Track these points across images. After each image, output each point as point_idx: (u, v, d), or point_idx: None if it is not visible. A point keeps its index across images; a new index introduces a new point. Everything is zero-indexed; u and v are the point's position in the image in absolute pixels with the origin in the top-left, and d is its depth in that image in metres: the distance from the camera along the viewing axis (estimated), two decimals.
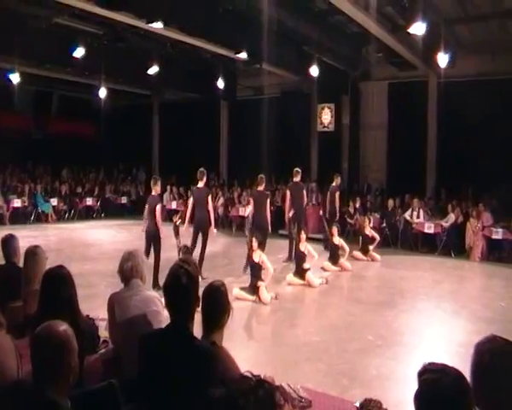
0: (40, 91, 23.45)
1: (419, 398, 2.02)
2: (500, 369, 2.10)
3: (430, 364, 2.08)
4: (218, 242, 15.82)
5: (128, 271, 4.01)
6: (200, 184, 10.50)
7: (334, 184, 14.09)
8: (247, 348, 6.30)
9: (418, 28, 11.14)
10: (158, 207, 9.58)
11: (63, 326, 2.46)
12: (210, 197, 10.41)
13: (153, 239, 9.54)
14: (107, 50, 16.10)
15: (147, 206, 9.95)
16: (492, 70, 15.32)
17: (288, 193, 12.40)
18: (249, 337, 6.87)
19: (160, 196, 12.44)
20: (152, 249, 9.50)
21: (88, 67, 16.83)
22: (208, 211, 10.16)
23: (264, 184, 11.66)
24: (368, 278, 10.58)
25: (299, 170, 12.59)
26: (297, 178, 12.46)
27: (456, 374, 2.01)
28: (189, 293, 2.85)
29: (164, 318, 3.71)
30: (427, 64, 15.59)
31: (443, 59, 13.43)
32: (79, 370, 2.65)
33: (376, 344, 6.91)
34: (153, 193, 10.07)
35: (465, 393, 1.99)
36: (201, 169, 10.67)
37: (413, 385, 2.11)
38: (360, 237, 13.68)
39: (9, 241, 5.33)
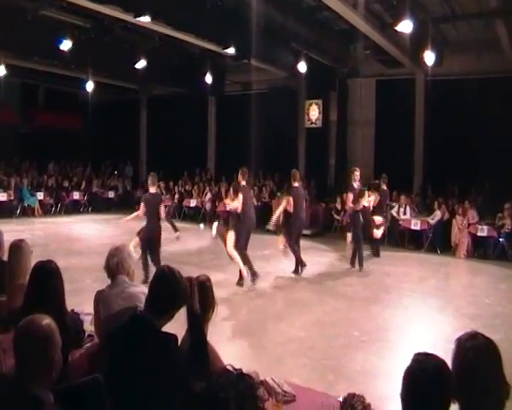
0: (26, 84, 23.26)
1: (406, 374, 2.15)
2: (483, 367, 2.15)
3: (423, 352, 2.20)
4: (204, 237, 15.84)
5: (114, 267, 3.99)
6: (152, 190, 9.64)
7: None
8: (232, 344, 6.32)
9: (406, 26, 11.20)
10: (162, 207, 9.45)
11: (46, 320, 2.45)
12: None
13: (156, 241, 9.26)
14: (95, 44, 15.95)
15: (143, 204, 9.39)
16: (478, 69, 15.41)
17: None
18: (234, 332, 6.89)
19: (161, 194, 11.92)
20: (151, 252, 9.21)
21: (75, 61, 16.69)
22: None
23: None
24: (354, 274, 10.62)
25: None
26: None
27: (441, 361, 2.15)
28: (170, 291, 2.93)
29: None
30: (415, 62, 15.64)
31: (430, 57, 13.50)
32: (64, 364, 2.65)
33: (362, 340, 6.95)
34: (152, 191, 9.66)
35: (447, 378, 2.11)
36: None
37: (397, 380, 2.16)
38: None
39: None
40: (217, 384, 1.87)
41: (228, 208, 10.38)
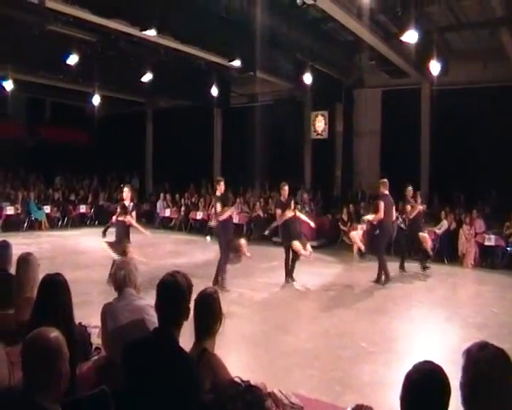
0: (33, 99, 23.40)
1: (405, 378, 2.26)
2: (497, 376, 2.12)
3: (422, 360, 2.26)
4: (211, 249, 15.81)
5: (121, 280, 3.99)
6: None
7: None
8: (238, 355, 6.29)
9: (411, 36, 11.19)
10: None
11: (54, 333, 2.45)
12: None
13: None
14: (101, 58, 16.06)
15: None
16: (484, 78, 15.41)
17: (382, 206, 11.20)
18: (241, 344, 6.86)
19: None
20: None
21: (81, 75, 16.80)
22: None
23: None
24: (361, 284, 10.57)
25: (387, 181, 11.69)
26: (386, 191, 11.45)
27: (438, 366, 2.21)
28: (176, 302, 2.87)
29: (156, 326, 3.71)
30: (420, 72, 15.65)
31: (435, 67, 13.50)
32: (72, 377, 2.64)
33: (369, 351, 6.91)
34: None
35: (442, 381, 2.15)
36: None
37: None
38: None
39: (3, 248, 5.30)
40: (224, 396, 1.86)
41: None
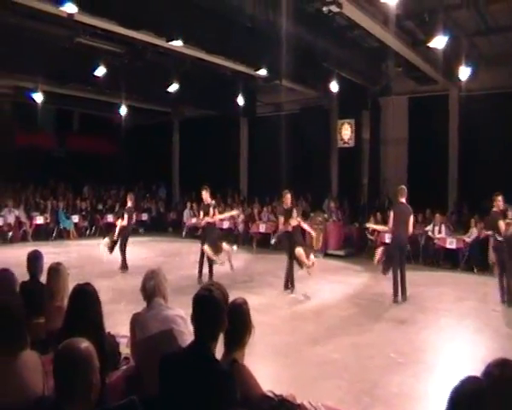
0: (62, 110, 23.78)
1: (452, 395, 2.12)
2: None
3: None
4: (238, 258, 15.80)
5: (150, 290, 3.99)
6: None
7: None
8: (266, 365, 6.24)
9: (439, 42, 11.09)
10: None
11: (85, 343, 2.45)
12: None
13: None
14: (128, 69, 16.26)
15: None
16: None
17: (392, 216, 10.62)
18: (269, 355, 6.80)
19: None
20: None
21: (109, 86, 17.04)
22: None
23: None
24: (388, 294, 10.42)
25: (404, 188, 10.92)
26: (403, 199, 10.52)
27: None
28: (213, 316, 2.85)
29: (186, 336, 3.69)
30: (448, 78, 15.49)
31: (464, 72, 13.33)
32: (101, 387, 2.64)
33: (398, 362, 6.80)
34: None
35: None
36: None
37: (435, 403, 2.12)
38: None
39: (36, 258, 5.39)
40: None
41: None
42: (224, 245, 11.56)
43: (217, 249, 11.33)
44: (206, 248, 11.26)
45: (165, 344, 3.53)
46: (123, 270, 12.75)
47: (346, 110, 18.86)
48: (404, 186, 10.88)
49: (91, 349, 2.44)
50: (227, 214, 15.18)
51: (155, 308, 3.92)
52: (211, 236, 11.52)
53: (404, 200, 10.39)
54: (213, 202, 12.17)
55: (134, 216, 13.39)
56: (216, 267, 11.65)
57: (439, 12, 11.23)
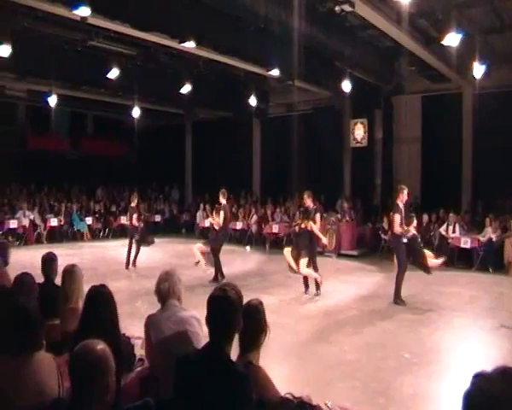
0: (75, 113, 23.96)
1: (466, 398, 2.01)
2: None
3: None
4: (251, 259, 15.82)
5: (165, 291, 3.98)
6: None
7: None
8: (281, 366, 6.22)
9: (452, 39, 11.00)
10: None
11: (101, 345, 2.45)
12: None
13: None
14: (141, 71, 16.36)
15: None
16: None
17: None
18: (283, 355, 6.78)
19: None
20: None
21: (122, 88, 17.15)
22: None
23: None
24: (402, 295, 10.34)
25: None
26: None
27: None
28: (228, 317, 2.83)
29: (200, 338, 3.69)
30: (462, 76, 15.37)
31: (478, 70, 13.21)
32: (117, 389, 2.64)
33: (412, 362, 6.75)
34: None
35: None
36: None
37: (450, 405, 2.07)
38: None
39: (50, 260, 5.43)
40: None
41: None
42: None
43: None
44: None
45: (180, 346, 3.52)
46: (127, 267, 13.51)
47: (359, 110, 18.79)
48: (403, 185, 10.57)
49: (107, 351, 2.44)
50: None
51: (170, 310, 3.92)
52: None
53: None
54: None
55: (135, 216, 13.71)
56: (224, 269, 11.83)
57: (452, 9, 11.16)
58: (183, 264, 12.47)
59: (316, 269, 10.62)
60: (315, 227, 10.48)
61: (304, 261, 10.32)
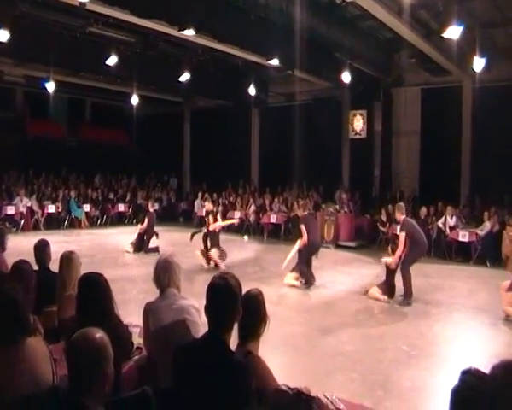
0: (74, 99, 23.83)
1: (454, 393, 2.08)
2: None
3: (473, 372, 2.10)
4: (249, 248, 15.82)
5: (164, 279, 3.96)
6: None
7: None
8: (279, 357, 6.23)
9: (453, 32, 10.93)
10: None
11: (99, 333, 2.44)
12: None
13: None
14: (140, 58, 16.27)
15: None
16: None
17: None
18: (281, 346, 6.78)
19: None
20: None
21: (120, 75, 17.05)
22: None
23: None
24: (401, 286, 10.35)
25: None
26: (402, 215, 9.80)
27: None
28: (229, 306, 2.80)
29: (199, 327, 3.67)
30: (462, 69, 15.33)
31: (478, 63, 13.17)
32: (116, 377, 2.63)
33: (411, 355, 6.77)
34: None
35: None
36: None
37: (447, 398, 2.08)
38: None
39: (43, 246, 5.39)
40: (275, 407, 1.80)
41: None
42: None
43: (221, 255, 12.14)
44: (214, 252, 12.09)
45: (179, 335, 3.51)
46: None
47: (359, 101, 18.73)
48: (401, 203, 10.49)
49: (105, 339, 2.43)
50: (227, 222, 15.37)
51: (169, 298, 3.90)
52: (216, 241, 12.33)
53: (404, 215, 9.81)
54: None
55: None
56: (226, 258, 11.92)
57: (453, 2, 11.09)
58: (180, 252, 12.47)
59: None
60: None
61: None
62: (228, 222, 15.41)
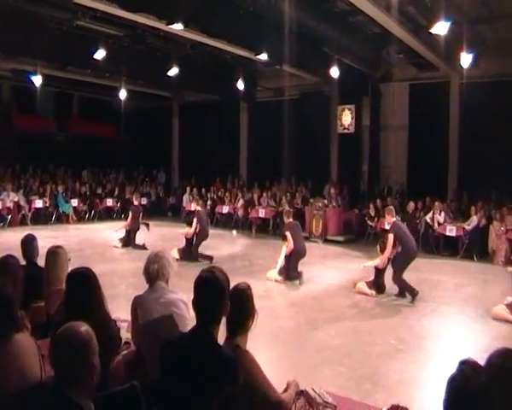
0: (61, 93, 23.63)
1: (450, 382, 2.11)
2: None
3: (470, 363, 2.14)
4: (237, 243, 15.83)
5: (154, 273, 3.97)
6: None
7: None
8: (268, 351, 6.25)
9: (441, 28, 10.98)
10: None
11: (84, 327, 2.43)
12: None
13: None
14: (128, 52, 16.18)
15: None
16: None
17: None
18: (270, 340, 6.81)
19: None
20: None
21: (108, 69, 16.97)
22: None
23: None
24: (389, 282, 10.42)
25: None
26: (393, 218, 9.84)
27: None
28: (216, 299, 2.79)
29: (187, 321, 3.68)
30: (450, 65, 15.41)
31: (466, 59, 13.24)
32: (104, 372, 2.62)
33: (398, 348, 6.82)
34: None
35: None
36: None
37: (436, 390, 2.11)
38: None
39: (30, 240, 5.35)
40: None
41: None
42: None
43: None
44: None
45: (167, 329, 3.51)
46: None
47: (347, 96, 18.77)
48: (391, 206, 10.58)
49: (90, 333, 2.42)
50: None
51: (158, 291, 3.91)
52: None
53: (394, 218, 9.87)
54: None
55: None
56: (210, 252, 12.05)
57: None
58: (169, 247, 12.46)
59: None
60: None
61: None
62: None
